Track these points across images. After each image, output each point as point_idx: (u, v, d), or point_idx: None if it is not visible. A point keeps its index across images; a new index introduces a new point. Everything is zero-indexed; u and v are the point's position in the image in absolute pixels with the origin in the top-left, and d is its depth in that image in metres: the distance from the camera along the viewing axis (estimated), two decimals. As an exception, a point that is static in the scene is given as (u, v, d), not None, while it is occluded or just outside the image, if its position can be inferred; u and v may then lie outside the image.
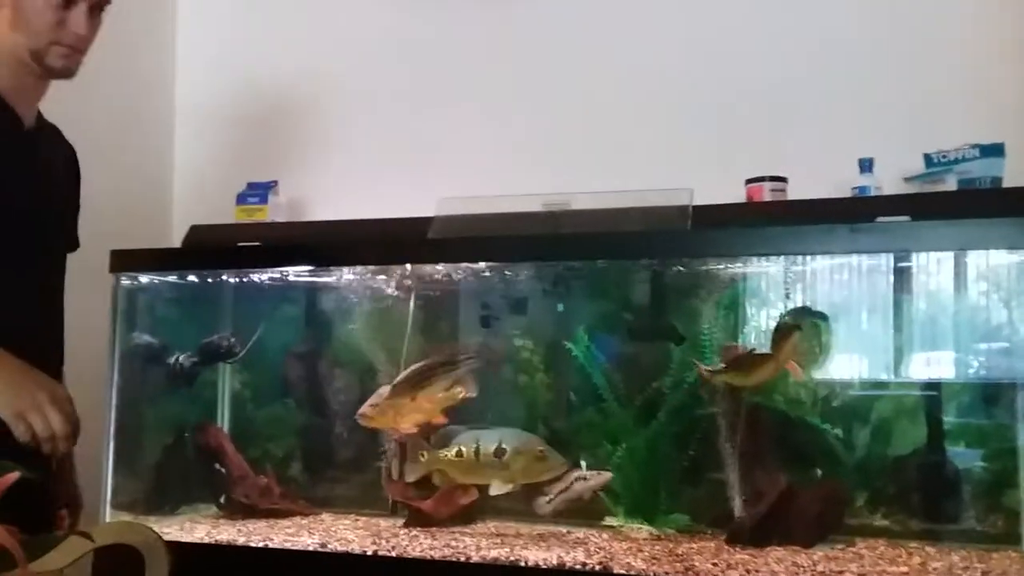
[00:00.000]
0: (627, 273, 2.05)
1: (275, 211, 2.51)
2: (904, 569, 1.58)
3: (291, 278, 2.18)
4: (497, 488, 1.80)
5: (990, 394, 1.80)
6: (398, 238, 2.09)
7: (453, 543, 1.81)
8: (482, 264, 1.99)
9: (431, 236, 1.98)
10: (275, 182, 2.54)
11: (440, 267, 2.04)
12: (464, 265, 2.02)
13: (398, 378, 1.91)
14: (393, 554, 1.75)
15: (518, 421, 2.03)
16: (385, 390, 1.93)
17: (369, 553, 1.76)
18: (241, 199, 2.51)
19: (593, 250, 1.84)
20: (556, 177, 2.29)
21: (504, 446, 1.78)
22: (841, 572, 1.55)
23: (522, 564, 1.66)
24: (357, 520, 2.07)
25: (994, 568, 1.59)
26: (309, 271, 2.15)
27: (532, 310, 2.16)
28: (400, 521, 2.01)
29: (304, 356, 2.36)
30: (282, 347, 2.36)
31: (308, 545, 1.82)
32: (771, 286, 1.92)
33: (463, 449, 1.80)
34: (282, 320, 2.37)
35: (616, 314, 2.08)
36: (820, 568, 1.57)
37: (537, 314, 2.17)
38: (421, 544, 1.80)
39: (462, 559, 1.71)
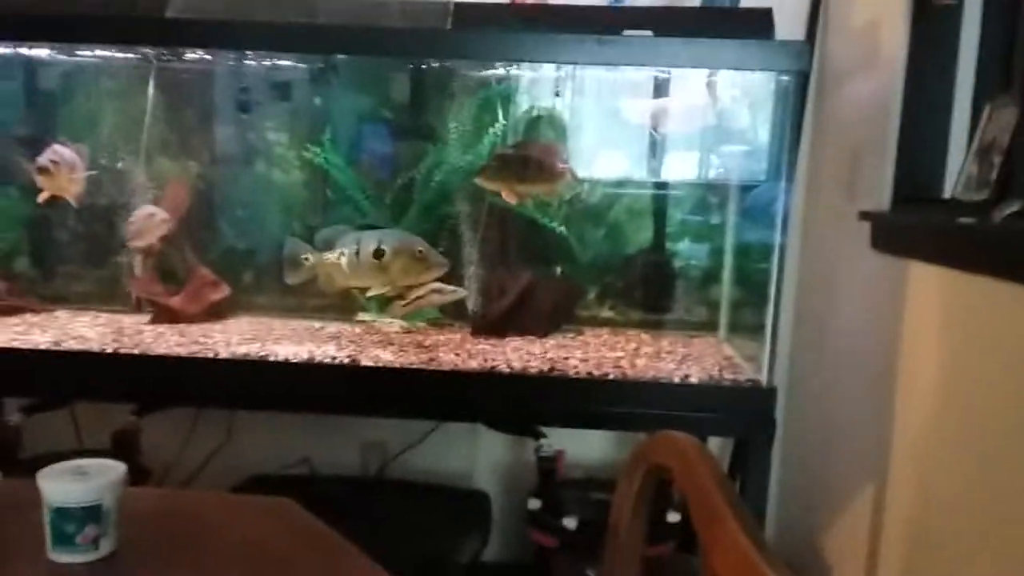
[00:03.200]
0: (386, 69, 2.00)
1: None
2: (621, 353, 1.78)
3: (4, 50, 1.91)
4: (377, 290, 1.75)
5: (707, 201, 2.01)
6: (131, 14, 1.86)
7: (202, 339, 1.79)
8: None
9: (170, 15, 1.79)
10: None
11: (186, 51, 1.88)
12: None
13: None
14: (136, 352, 1.70)
15: (273, 219, 2.00)
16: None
17: (109, 351, 1.71)
18: (-69, -51, 2.11)
19: (350, 44, 1.76)
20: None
21: (383, 247, 1.71)
22: (567, 358, 1.72)
23: (271, 359, 1.69)
24: (97, 317, 1.99)
25: (694, 351, 1.84)
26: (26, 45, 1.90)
27: (287, 104, 2.07)
28: (145, 318, 1.96)
29: (27, 140, 2.12)
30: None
31: (40, 344, 1.73)
32: (529, 89, 1.96)
33: (345, 251, 1.72)
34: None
35: (372, 111, 2.04)
36: (550, 355, 1.74)
37: (292, 108, 2.08)
38: (167, 341, 1.77)
39: (210, 355, 1.70)
